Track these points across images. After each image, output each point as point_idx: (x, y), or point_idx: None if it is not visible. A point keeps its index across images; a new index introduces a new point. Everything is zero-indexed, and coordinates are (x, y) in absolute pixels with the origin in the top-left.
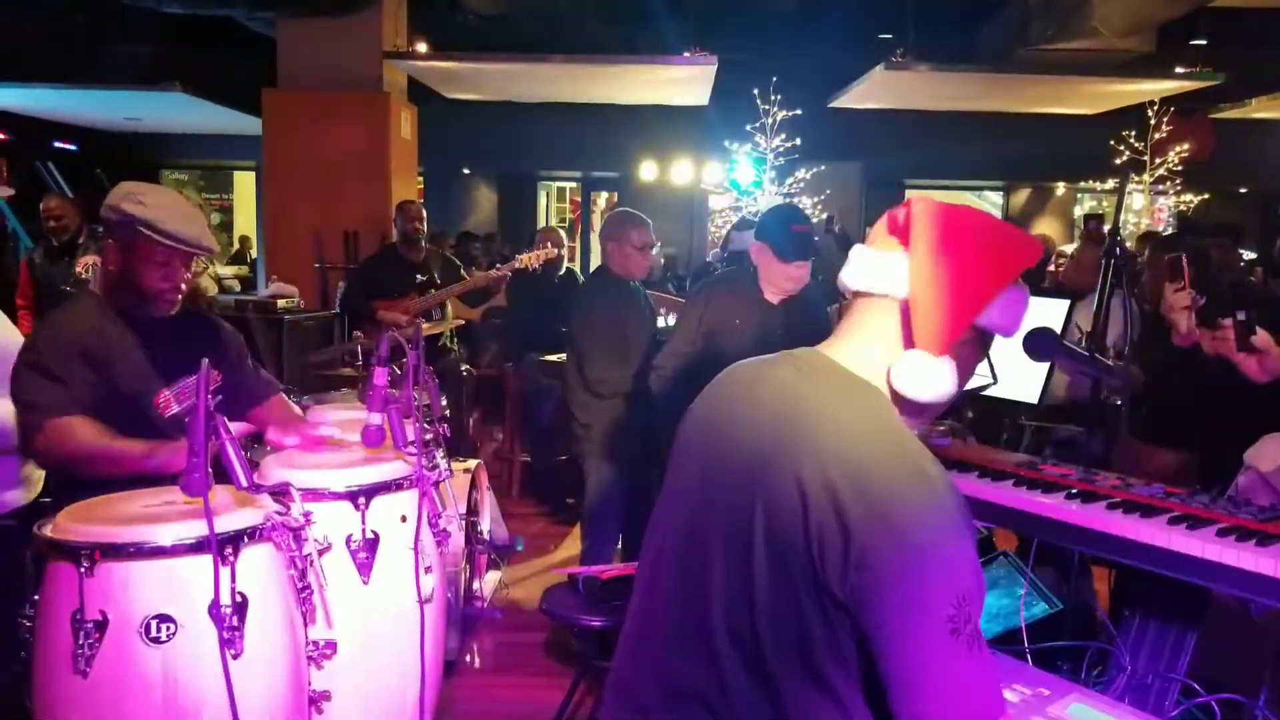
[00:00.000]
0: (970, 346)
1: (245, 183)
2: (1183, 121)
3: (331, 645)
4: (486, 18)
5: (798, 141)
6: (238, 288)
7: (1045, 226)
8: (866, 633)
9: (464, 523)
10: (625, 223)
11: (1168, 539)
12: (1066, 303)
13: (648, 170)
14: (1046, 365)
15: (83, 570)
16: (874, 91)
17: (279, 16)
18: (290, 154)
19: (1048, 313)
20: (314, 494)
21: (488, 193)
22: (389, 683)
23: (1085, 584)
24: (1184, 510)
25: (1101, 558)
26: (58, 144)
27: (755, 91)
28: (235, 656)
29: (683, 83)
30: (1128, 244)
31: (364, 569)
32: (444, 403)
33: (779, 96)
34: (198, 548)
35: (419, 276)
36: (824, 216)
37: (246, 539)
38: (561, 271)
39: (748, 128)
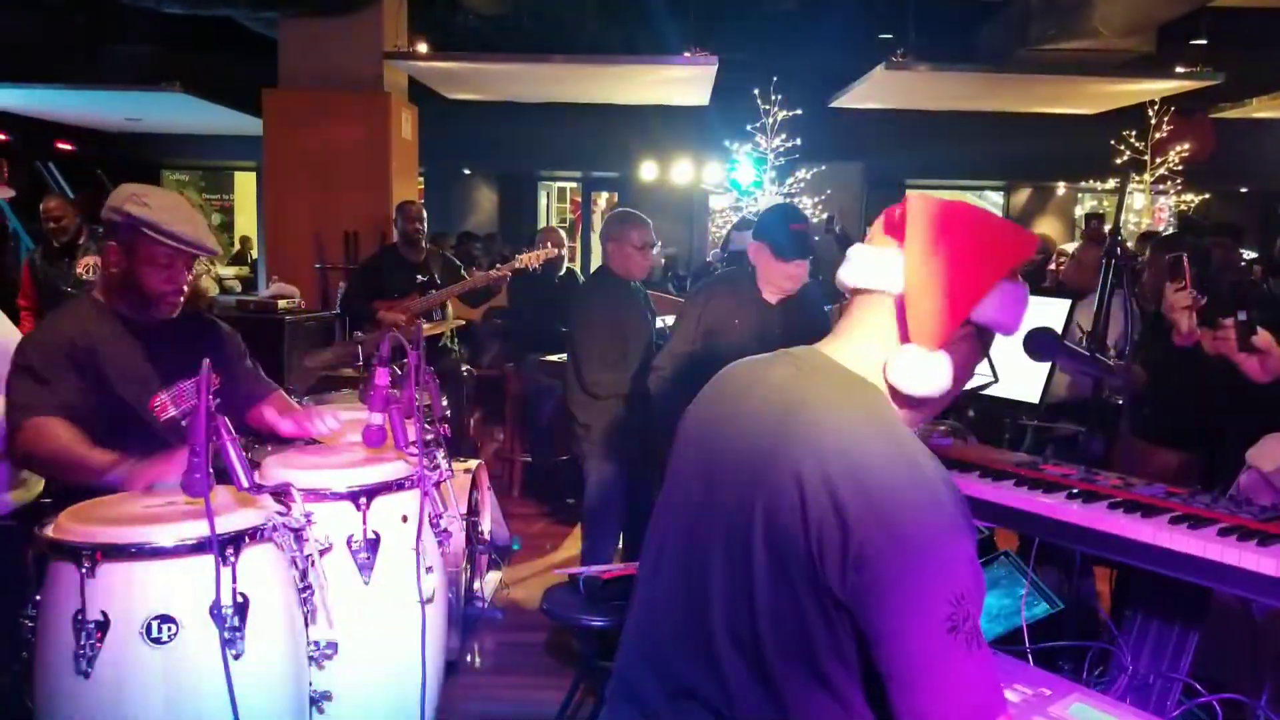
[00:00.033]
0: (969, 343)
1: (246, 183)
2: (1183, 121)
3: (332, 645)
4: (487, 18)
5: (798, 141)
6: (239, 288)
7: (1046, 226)
8: (866, 631)
9: (465, 523)
10: (626, 223)
11: (1169, 539)
12: (1067, 302)
13: (648, 170)
14: (1048, 365)
15: (84, 570)
16: (874, 91)
17: (280, 17)
18: (291, 154)
19: (1049, 312)
20: (315, 494)
21: (488, 193)
22: (390, 683)
23: (1088, 584)
24: (1185, 510)
25: (1103, 558)
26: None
27: (756, 91)
28: (236, 657)
29: (683, 83)
30: (1128, 244)
31: (365, 569)
32: (445, 403)
33: (779, 96)
34: (199, 548)
35: (419, 277)
36: (824, 216)
37: (248, 539)
38: (562, 272)
39: (748, 128)
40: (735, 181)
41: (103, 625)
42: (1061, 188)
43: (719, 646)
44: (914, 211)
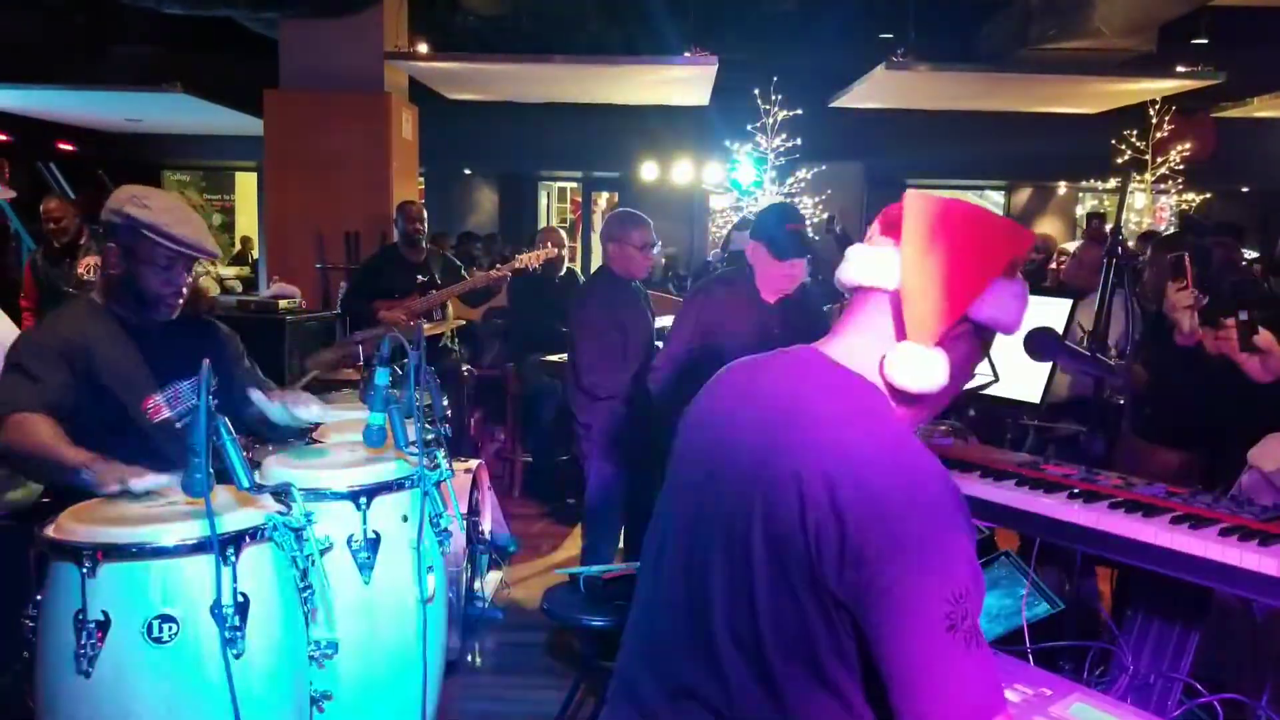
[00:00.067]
0: (967, 341)
1: (247, 183)
2: (1184, 120)
3: (333, 645)
4: (487, 18)
5: (798, 141)
6: (239, 288)
7: (1047, 226)
8: (865, 630)
9: (465, 523)
10: (626, 223)
11: (1170, 539)
12: (1069, 302)
13: (648, 170)
14: (1049, 365)
15: (85, 570)
16: (875, 91)
17: (280, 17)
18: (291, 154)
19: (1050, 312)
20: (316, 494)
21: (488, 193)
22: (390, 683)
23: (1089, 584)
24: (1186, 510)
25: (1104, 558)
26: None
27: (756, 91)
28: (237, 657)
29: (683, 83)
30: (1129, 243)
31: (365, 569)
32: (445, 403)
33: (779, 96)
34: (200, 548)
35: (420, 277)
36: (825, 216)
37: (248, 539)
38: (562, 272)
39: (748, 128)
40: (735, 181)
41: (104, 625)
42: (1062, 187)
43: (719, 646)
44: (911, 209)
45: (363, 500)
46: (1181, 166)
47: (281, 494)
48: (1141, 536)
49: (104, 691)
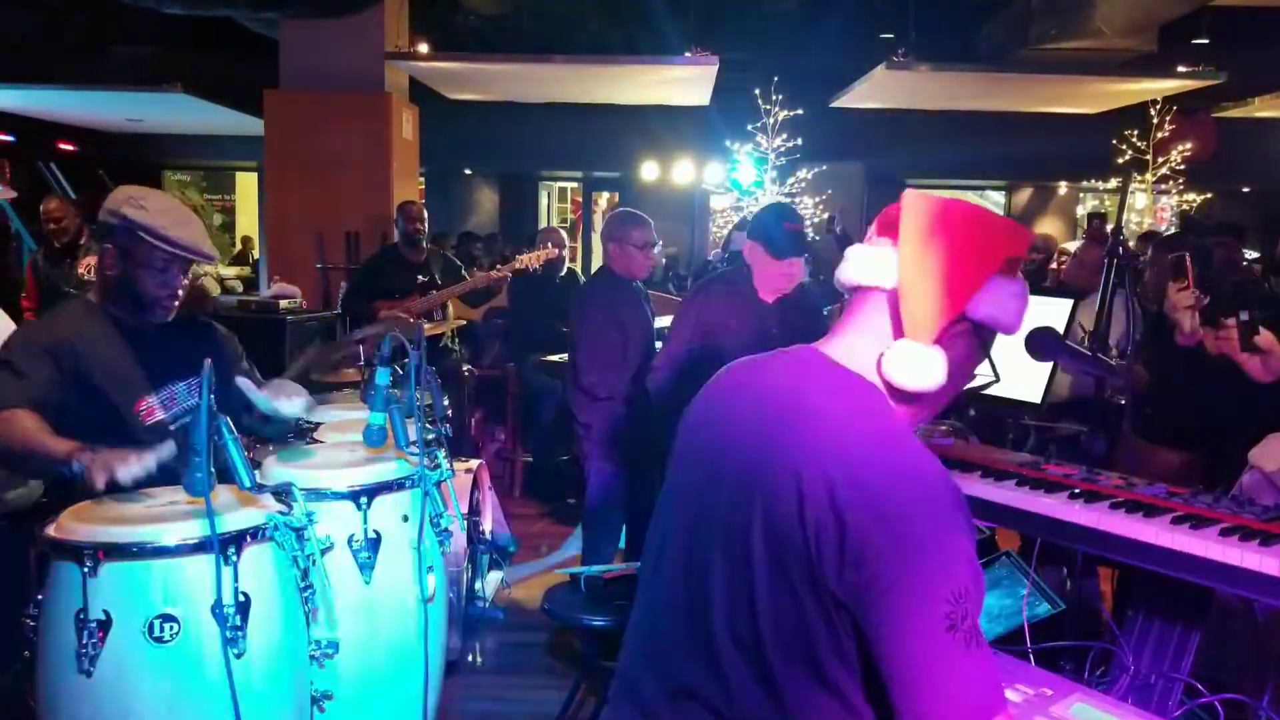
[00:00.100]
0: (966, 340)
1: (247, 183)
2: (1185, 120)
3: (333, 645)
4: (487, 18)
5: (799, 141)
6: (240, 288)
7: (1047, 226)
8: (865, 630)
9: (466, 523)
10: (627, 223)
11: (1171, 539)
12: (1069, 302)
13: (649, 170)
14: (1049, 365)
15: (86, 570)
16: (875, 91)
17: (280, 17)
18: (292, 155)
19: (1050, 312)
20: (317, 494)
21: (489, 193)
22: (391, 683)
23: (1090, 584)
24: (1187, 510)
25: (1104, 558)
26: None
27: (756, 91)
28: (238, 656)
29: (684, 83)
30: (1130, 243)
31: (366, 569)
32: (446, 403)
33: (780, 96)
34: (201, 547)
35: (420, 277)
36: (826, 217)
37: (249, 539)
38: (563, 272)
39: (749, 127)
40: (736, 181)
41: (105, 624)
42: (1063, 187)
43: (719, 646)
44: (909, 208)
45: (363, 500)
46: (1182, 166)
47: (282, 494)
48: (1142, 537)
49: (105, 691)
